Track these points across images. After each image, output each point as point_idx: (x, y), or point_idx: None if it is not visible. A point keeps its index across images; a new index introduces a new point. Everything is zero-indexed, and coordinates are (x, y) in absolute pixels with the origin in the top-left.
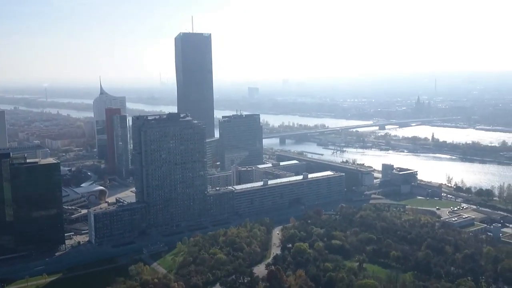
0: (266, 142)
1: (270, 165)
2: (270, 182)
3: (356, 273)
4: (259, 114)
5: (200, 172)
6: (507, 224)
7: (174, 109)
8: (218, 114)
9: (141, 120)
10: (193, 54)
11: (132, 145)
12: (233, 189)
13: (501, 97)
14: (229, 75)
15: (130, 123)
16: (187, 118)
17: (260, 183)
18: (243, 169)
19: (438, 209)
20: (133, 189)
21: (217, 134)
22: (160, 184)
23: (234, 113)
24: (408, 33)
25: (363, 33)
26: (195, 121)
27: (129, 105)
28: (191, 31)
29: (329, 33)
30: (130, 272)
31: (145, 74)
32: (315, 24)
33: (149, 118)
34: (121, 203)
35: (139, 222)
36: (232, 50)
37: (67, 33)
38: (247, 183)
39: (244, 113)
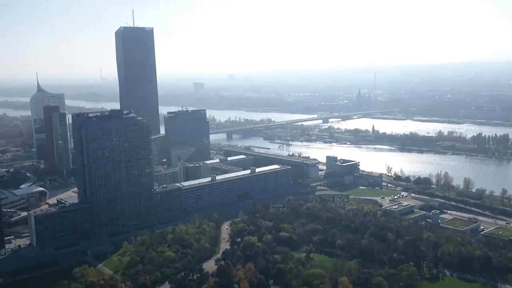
0: (213, 137)
1: (217, 160)
2: (218, 177)
3: (304, 263)
4: (205, 110)
5: (146, 170)
6: (445, 211)
7: (116, 105)
8: (163, 110)
9: (81, 118)
10: (135, 49)
11: (72, 144)
12: (181, 185)
13: (437, 89)
14: (174, 70)
15: (70, 121)
16: (131, 115)
17: (208, 179)
18: (190, 165)
19: (382, 198)
20: (75, 189)
21: (162, 131)
22: (103, 183)
23: (180, 108)
24: (348, 28)
25: (305, 28)
26: (139, 118)
27: (69, 102)
28: (132, 25)
29: (271, 27)
30: (75, 275)
31: (85, 70)
32: (258, 18)
33: (90, 115)
34: (62, 204)
35: (83, 223)
36: (176, 45)
37: (0, 28)
38: (195, 179)
39: (190, 108)
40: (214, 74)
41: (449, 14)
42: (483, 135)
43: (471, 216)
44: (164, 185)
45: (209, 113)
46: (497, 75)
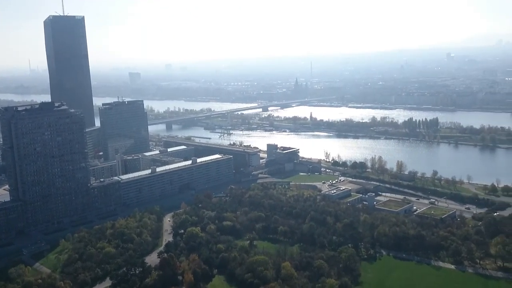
0: (151, 128)
1: (157, 152)
2: (158, 169)
3: (247, 251)
4: (142, 100)
5: (81, 164)
6: (380, 193)
7: (47, 98)
8: (98, 101)
9: (10, 112)
10: (65, 38)
11: (1, 140)
12: (119, 179)
13: (370, 76)
14: (108, 60)
15: None
16: (63, 107)
17: (148, 171)
18: (128, 157)
19: (324, 182)
20: (6, 187)
21: (97, 123)
22: (36, 179)
23: (115, 100)
24: (284, 18)
25: (241, 17)
26: (72, 110)
27: None
28: (62, 14)
29: (208, 16)
30: (10, 275)
31: (12, 61)
32: (194, 7)
33: (19, 109)
34: None
35: (16, 222)
36: (110, 34)
37: None
38: (134, 172)
39: (126, 99)
40: (151, 64)
41: (378, 5)
42: (413, 119)
43: (405, 197)
44: (101, 179)
45: (147, 104)
46: (425, 62)
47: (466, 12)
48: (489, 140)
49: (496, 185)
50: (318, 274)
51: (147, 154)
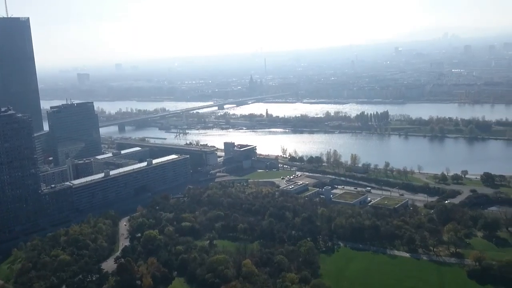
0: (103, 131)
1: (110, 154)
2: (112, 172)
3: (207, 251)
4: (92, 102)
5: (31, 170)
6: (336, 186)
7: None
8: (46, 105)
9: None
10: (9, 41)
11: None
12: (71, 184)
13: (322, 72)
14: (55, 61)
15: None
16: (10, 112)
17: (101, 175)
18: (80, 162)
19: (283, 178)
20: None
21: (46, 127)
22: None
23: (64, 102)
24: (235, 14)
25: (192, 15)
26: (19, 115)
27: None
28: (5, 16)
29: (158, 14)
30: None
31: None
32: (142, 4)
33: None
34: None
35: None
36: (56, 34)
37: None
38: (87, 176)
39: (76, 101)
40: (100, 64)
41: (327, 1)
42: (365, 113)
43: (360, 189)
44: (53, 185)
45: (97, 106)
46: (375, 57)
47: (411, 6)
48: (437, 131)
49: (446, 174)
50: (278, 270)
51: (99, 157)
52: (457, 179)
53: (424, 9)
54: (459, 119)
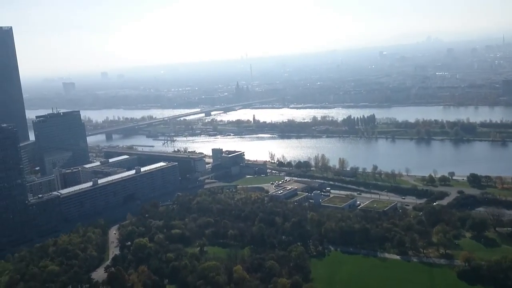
0: (90, 139)
1: (98, 163)
2: (100, 181)
3: (198, 258)
4: (79, 111)
5: (17, 180)
6: (325, 190)
7: None
8: (31, 114)
9: None
10: None
11: None
12: (59, 194)
13: (308, 77)
14: (39, 70)
15: None
16: None
17: (89, 184)
18: (67, 171)
19: (272, 183)
20: None
21: (32, 137)
22: None
23: (50, 111)
24: (219, 21)
25: (176, 22)
26: (4, 125)
27: None
28: None
29: (142, 22)
30: None
31: None
32: (126, 13)
33: None
34: None
35: None
36: (39, 43)
37: None
38: (74, 185)
39: (62, 110)
40: (85, 73)
41: (309, 7)
42: (352, 117)
43: (348, 193)
44: (40, 195)
45: (84, 114)
46: (360, 61)
47: (394, 11)
48: (424, 133)
49: (434, 176)
50: (270, 275)
51: (87, 166)
52: (444, 180)
53: (406, 13)
54: (445, 122)
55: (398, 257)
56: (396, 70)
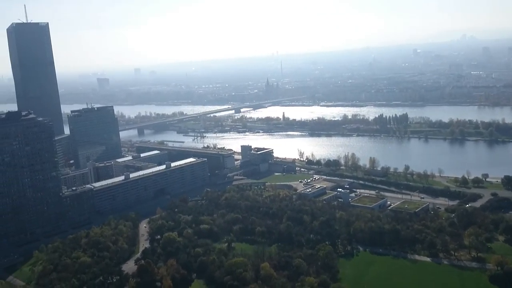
0: (123, 134)
1: (130, 158)
2: (132, 175)
3: (226, 254)
4: (112, 106)
5: (52, 173)
6: (354, 190)
7: (13, 107)
8: (66, 109)
9: None
10: (29, 46)
11: None
12: (92, 187)
13: (339, 74)
14: (75, 66)
15: None
16: (30, 116)
17: (121, 178)
18: (100, 165)
19: (301, 181)
20: None
21: (67, 131)
22: (5, 191)
23: (84, 106)
24: (251, 18)
25: (209, 18)
26: (40, 118)
27: None
28: (25, 21)
29: (175, 19)
30: None
31: None
32: (161, 10)
33: None
34: None
35: None
36: (75, 39)
37: None
38: (107, 179)
39: (96, 105)
40: (119, 69)
41: (343, 4)
42: (384, 116)
43: (379, 193)
44: (74, 188)
45: (117, 110)
46: (393, 59)
47: (429, 8)
48: (458, 134)
49: (467, 177)
50: (297, 273)
51: (119, 160)
52: (478, 182)
53: (441, 11)
54: (479, 122)
55: (428, 259)
56: (430, 69)
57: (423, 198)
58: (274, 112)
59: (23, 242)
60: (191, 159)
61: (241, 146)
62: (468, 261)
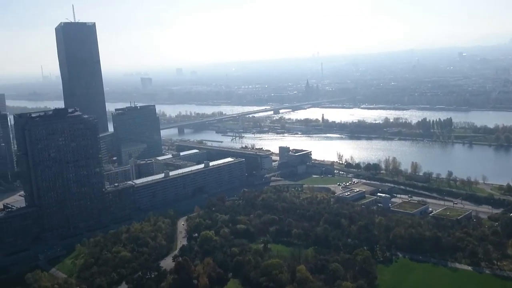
0: (164, 133)
1: (170, 156)
2: (172, 173)
3: (262, 254)
4: (154, 105)
5: (96, 169)
6: (395, 195)
7: (60, 104)
8: (111, 107)
9: (24, 118)
10: (77, 45)
11: (16, 146)
12: (133, 183)
13: (381, 77)
14: (120, 65)
15: (12, 122)
16: (76, 113)
17: (161, 175)
18: (142, 162)
19: (339, 184)
20: (22, 193)
21: (111, 128)
22: (51, 185)
23: (128, 105)
24: (292, 19)
25: (249, 19)
26: (85, 116)
27: (9, 103)
28: (72, 21)
29: (216, 19)
30: (27, 280)
31: (25, 68)
32: (202, 11)
33: (33, 115)
34: (9, 209)
35: (32, 227)
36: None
37: None
38: (147, 176)
39: (139, 104)
40: (162, 68)
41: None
42: (427, 120)
43: (420, 199)
44: (116, 184)
45: (159, 109)
46: (437, 62)
47: (475, 11)
48: (503, 140)
49: None
50: (333, 277)
51: (160, 158)
52: None
53: (488, 13)
54: None
55: (469, 268)
56: (476, 73)
57: (465, 205)
58: (313, 113)
59: (66, 236)
60: (229, 159)
61: (279, 147)
62: (511, 271)
